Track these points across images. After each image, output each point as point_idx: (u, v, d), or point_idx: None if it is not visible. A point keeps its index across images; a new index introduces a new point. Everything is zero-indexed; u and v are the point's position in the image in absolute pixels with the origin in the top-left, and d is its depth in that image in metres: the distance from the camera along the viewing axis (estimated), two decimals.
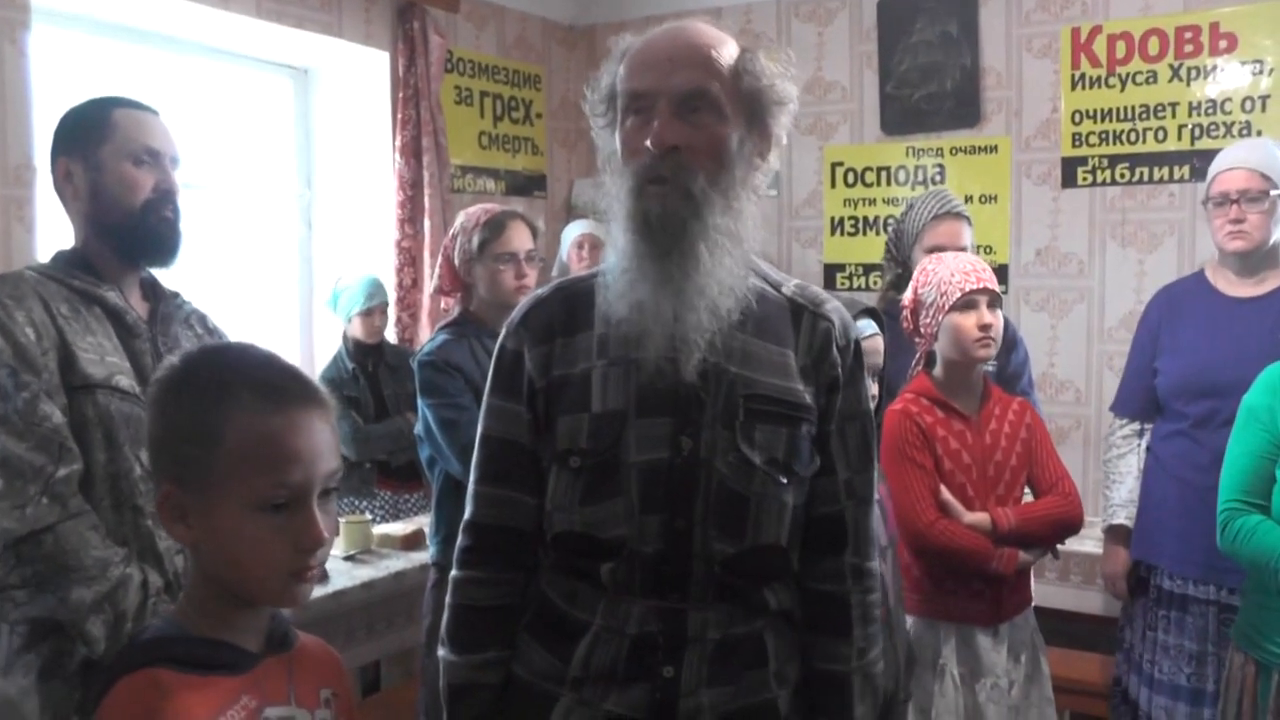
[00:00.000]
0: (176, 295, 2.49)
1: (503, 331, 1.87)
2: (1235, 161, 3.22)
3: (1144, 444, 3.52)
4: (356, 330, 4.66)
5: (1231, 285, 3.31)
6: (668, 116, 1.69)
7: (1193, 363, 3.28)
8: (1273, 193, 3.16)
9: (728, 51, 1.74)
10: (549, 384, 1.78)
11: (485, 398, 1.86)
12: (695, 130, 1.70)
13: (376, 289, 4.66)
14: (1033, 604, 3.02)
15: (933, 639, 2.85)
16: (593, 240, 5.11)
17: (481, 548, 1.84)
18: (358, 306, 4.63)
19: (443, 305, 3.48)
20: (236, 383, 1.41)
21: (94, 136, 2.31)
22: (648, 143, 1.68)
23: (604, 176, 1.82)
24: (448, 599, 1.86)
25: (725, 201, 1.72)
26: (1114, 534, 3.55)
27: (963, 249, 3.31)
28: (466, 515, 1.86)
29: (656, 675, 1.72)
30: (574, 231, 5.18)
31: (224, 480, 1.38)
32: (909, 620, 2.82)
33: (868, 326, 2.36)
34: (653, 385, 1.72)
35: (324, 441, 1.44)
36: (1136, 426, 3.54)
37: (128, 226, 2.30)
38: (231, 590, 1.43)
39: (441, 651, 1.85)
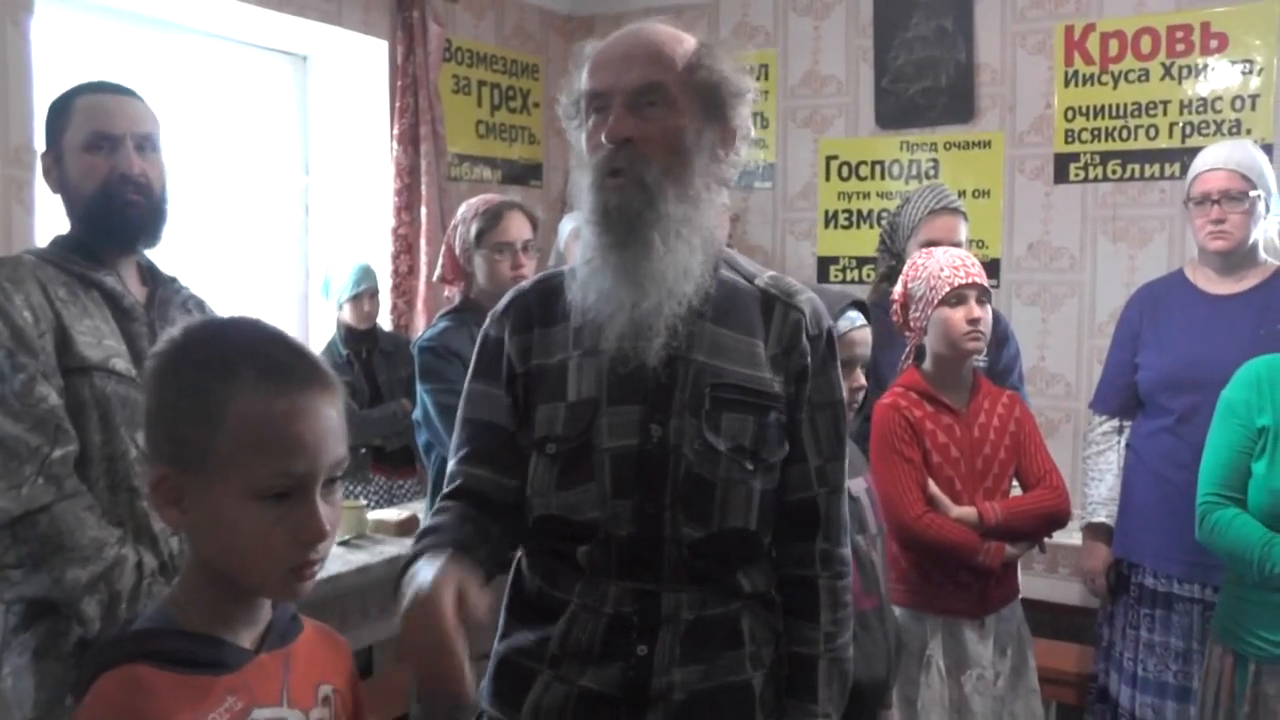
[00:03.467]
0: (174, 280, 2.51)
1: (486, 320, 1.93)
2: (1216, 162, 3.23)
3: (1123, 441, 3.53)
4: (347, 316, 4.69)
5: (1212, 283, 3.33)
6: (622, 111, 1.75)
7: (1177, 357, 3.29)
8: (1252, 193, 3.17)
9: (683, 48, 1.79)
10: (528, 372, 1.84)
11: (467, 383, 1.91)
12: (648, 123, 1.75)
13: (365, 275, 4.69)
14: (1019, 596, 3.04)
15: (919, 631, 2.87)
16: None
17: (456, 501, 1.84)
18: (347, 293, 4.66)
19: (445, 294, 3.51)
20: (240, 361, 1.32)
21: (58, 126, 2.34)
22: (603, 137, 1.74)
23: (575, 174, 1.89)
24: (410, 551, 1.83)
25: (681, 190, 1.77)
26: (1093, 531, 3.56)
27: (958, 244, 3.31)
28: (445, 492, 1.88)
29: (631, 653, 1.76)
30: (571, 223, 5.18)
31: (223, 465, 1.29)
32: (896, 611, 2.85)
33: (856, 318, 2.38)
34: (618, 372, 1.77)
35: (330, 428, 1.35)
36: (1116, 423, 3.55)
37: (90, 213, 2.32)
38: (228, 579, 1.35)
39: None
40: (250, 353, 1.33)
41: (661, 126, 1.75)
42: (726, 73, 1.80)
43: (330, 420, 1.36)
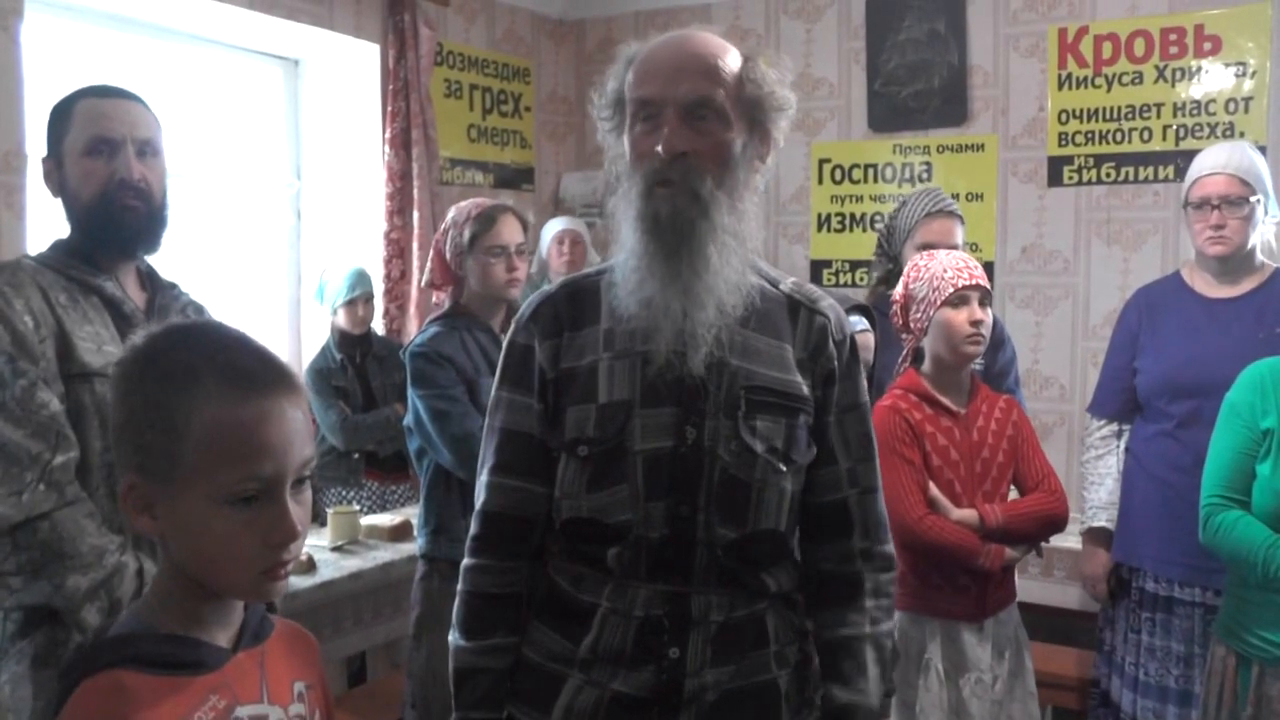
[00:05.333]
0: (174, 286, 2.50)
1: (512, 327, 1.93)
2: (1215, 166, 3.22)
3: (1122, 445, 3.52)
4: (342, 321, 4.68)
5: (1209, 287, 3.32)
6: (676, 124, 1.75)
7: (1174, 362, 3.29)
8: (1252, 198, 3.17)
9: (731, 60, 1.80)
10: (558, 376, 1.84)
11: (495, 391, 1.92)
12: (701, 137, 1.76)
13: (360, 279, 4.68)
14: (1016, 600, 3.04)
15: (918, 634, 2.87)
16: (573, 236, 5.12)
17: (492, 536, 1.89)
18: (341, 297, 4.65)
19: (434, 299, 3.49)
20: (202, 368, 1.31)
21: (59, 131, 2.32)
22: (658, 149, 1.74)
23: (610, 176, 1.89)
24: (459, 586, 1.91)
25: (730, 203, 1.79)
26: (1093, 536, 3.55)
27: (954, 247, 3.32)
28: (478, 504, 1.91)
29: (663, 656, 1.78)
30: (554, 228, 5.20)
31: (189, 472, 1.29)
32: (894, 615, 2.85)
33: (859, 322, 2.39)
34: (660, 378, 1.78)
35: (296, 429, 1.35)
36: (1114, 428, 3.54)
37: (90, 218, 2.30)
38: (201, 584, 1.35)
39: (452, 637, 1.90)
40: (212, 360, 1.33)
41: (713, 140, 1.77)
42: (772, 87, 1.82)
43: (296, 421, 1.36)
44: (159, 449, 1.30)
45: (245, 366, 1.34)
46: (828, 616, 1.91)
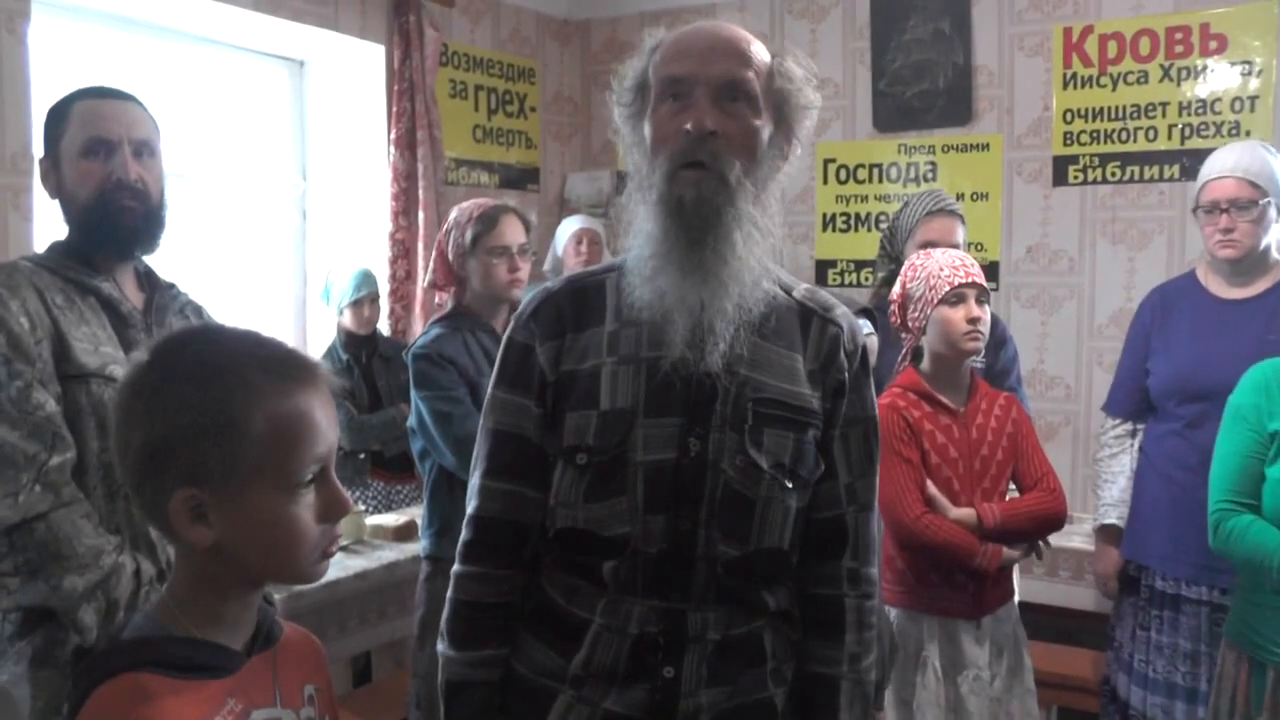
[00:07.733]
0: (172, 286, 2.50)
1: (511, 324, 1.87)
2: (1225, 169, 3.20)
3: (1136, 444, 3.52)
4: (348, 321, 4.69)
5: (1222, 288, 3.31)
6: (706, 102, 1.70)
7: (1184, 364, 3.28)
8: (1262, 201, 3.15)
9: (761, 51, 1.76)
10: (559, 379, 1.78)
11: (491, 391, 1.85)
12: (731, 119, 1.70)
13: (365, 280, 4.69)
14: (1015, 597, 3.04)
15: (915, 632, 2.87)
16: (591, 235, 5.10)
17: (484, 543, 1.82)
18: (347, 298, 4.66)
19: (437, 299, 3.49)
20: (236, 366, 1.32)
21: (56, 132, 2.33)
22: (688, 126, 1.68)
23: (626, 165, 1.84)
24: (448, 593, 1.85)
25: (756, 192, 1.73)
26: (1105, 534, 3.55)
27: (955, 245, 3.33)
28: (470, 509, 1.84)
29: (657, 676, 1.72)
30: (572, 226, 5.18)
31: (254, 468, 1.31)
32: (892, 613, 2.85)
33: (863, 326, 2.38)
34: (668, 378, 1.72)
35: (331, 409, 1.40)
36: (1129, 426, 3.54)
37: (86, 219, 2.31)
38: (259, 578, 1.38)
39: (440, 646, 1.84)
40: (246, 356, 1.35)
41: (742, 124, 1.71)
42: (800, 84, 1.77)
43: (331, 399, 1.41)
44: (218, 453, 1.30)
45: (274, 357, 1.37)
46: (809, 648, 1.85)
